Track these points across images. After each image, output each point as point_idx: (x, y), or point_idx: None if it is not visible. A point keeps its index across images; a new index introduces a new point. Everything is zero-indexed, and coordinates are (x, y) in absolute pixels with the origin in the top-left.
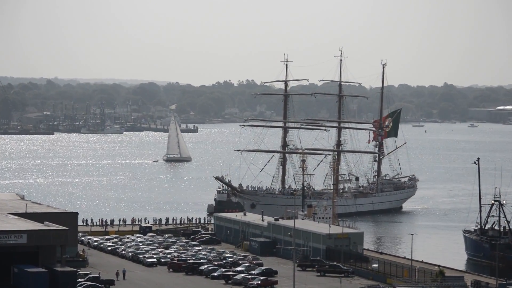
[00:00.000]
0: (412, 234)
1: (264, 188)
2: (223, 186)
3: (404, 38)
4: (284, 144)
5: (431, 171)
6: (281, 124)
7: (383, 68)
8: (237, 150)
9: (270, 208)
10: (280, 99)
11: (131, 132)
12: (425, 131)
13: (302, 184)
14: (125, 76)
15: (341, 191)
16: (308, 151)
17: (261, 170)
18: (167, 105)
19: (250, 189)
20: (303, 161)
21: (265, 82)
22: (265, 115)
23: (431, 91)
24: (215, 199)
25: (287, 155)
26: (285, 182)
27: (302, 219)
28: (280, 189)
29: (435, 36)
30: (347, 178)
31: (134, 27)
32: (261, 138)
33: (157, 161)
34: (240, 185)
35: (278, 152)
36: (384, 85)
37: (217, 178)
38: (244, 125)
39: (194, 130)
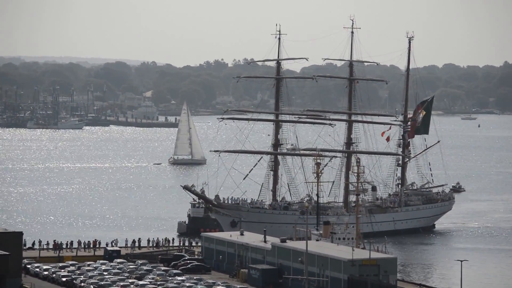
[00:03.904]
0: (461, 261)
1: (249, 201)
2: (199, 199)
3: (449, 2)
4: (276, 143)
5: (483, 178)
6: (271, 117)
7: (409, 42)
8: (214, 151)
9: (256, 227)
10: (296, 85)
11: (93, 127)
12: (478, 126)
13: (317, 194)
14: (85, 54)
15: (353, 204)
16: (307, 151)
17: (245, 176)
18: (140, 91)
19: (230, 202)
20: (318, 164)
21: (250, 62)
22: (268, 105)
23: (486, 73)
24: (188, 215)
25: (279, 157)
26: (276, 192)
27: (317, 240)
28: (271, 202)
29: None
30: (361, 187)
31: None
32: (246, 135)
33: (160, 164)
34: (217, 196)
35: (268, 153)
36: (424, 65)
37: (185, 187)
38: (223, 118)
39: (176, 124)
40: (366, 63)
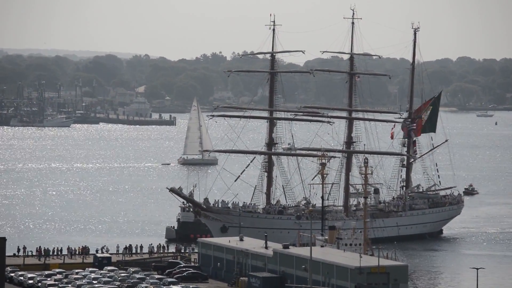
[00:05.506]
0: (477, 268)
1: (241, 205)
2: (187, 202)
3: None
4: (271, 142)
5: (499, 180)
6: (265, 114)
7: (415, 34)
8: (204, 151)
9: (249, 233)
10: (300, 79)
11: (82, 125)
12: (495, 123)
13: (322, 197)
14: (74, 46)
15: (354, 208)
16: (304, 151)
17: (237, 178)
18: (132, 86)
19: (220, 206)
20: (323, 165)
21: (242, 55)
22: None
23: (504, 66)
24: (178, 220)
25: (274, 158)
26: (271, 195)
27: (322, 246)
28: (264, 206)
29: None
30: (362, 190)
31: None
32: (238, 133)
33: (169, 164)
34: (206, 199)
35: (261, 153)
36: (437, 58)
37: (171, 190)
38: (213, 116)
39: (171, 122)
40: (374, 57)
